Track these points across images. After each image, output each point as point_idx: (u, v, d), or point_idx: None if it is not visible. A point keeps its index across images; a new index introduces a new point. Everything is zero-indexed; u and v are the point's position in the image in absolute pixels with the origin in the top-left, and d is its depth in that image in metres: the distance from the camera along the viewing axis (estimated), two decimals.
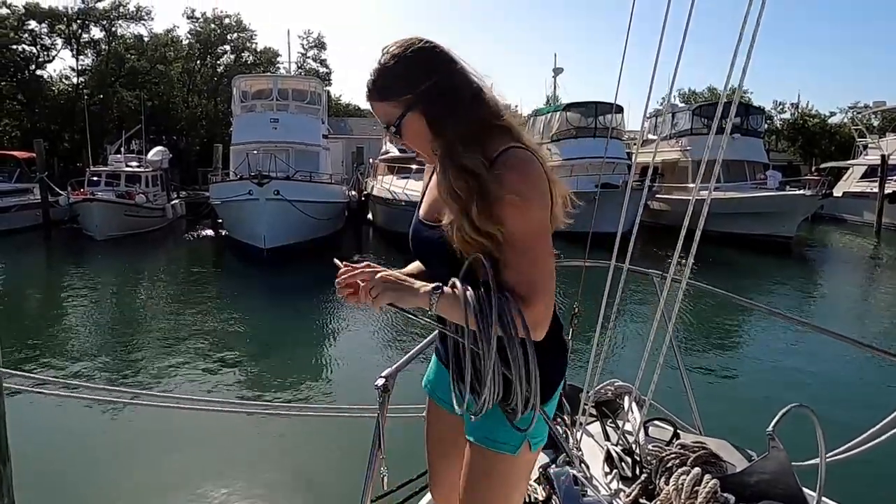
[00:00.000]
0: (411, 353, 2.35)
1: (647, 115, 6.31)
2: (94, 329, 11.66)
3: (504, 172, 1.52)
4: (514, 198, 1.51)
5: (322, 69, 51.15)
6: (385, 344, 9.93)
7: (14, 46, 39.94)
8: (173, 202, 29.99)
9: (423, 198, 1.87)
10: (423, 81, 1.59)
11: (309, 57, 51.58)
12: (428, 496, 2.79)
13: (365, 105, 1.72)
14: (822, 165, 39.64)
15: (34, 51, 41.44)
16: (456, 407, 1.66)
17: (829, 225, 31.30)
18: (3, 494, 3.62)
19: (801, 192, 22.47)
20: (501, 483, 1.75)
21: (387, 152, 26.81)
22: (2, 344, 3.63)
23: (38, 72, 42.26)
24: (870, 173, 31.54)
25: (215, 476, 5.86)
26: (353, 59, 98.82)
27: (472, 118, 1.60)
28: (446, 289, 1.54)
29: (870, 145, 35.00)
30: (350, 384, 8.24)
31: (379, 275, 1.55)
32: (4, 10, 39.76)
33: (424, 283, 1.57)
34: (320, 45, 51.94)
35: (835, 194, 30.21)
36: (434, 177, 1.79)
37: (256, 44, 50.34)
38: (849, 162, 36.24)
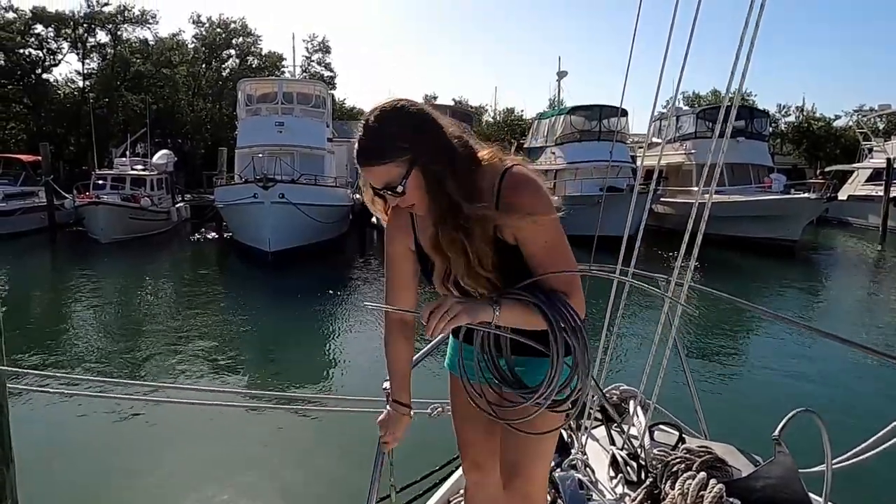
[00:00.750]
0: (418, 355, 2.36)
1: (653, 119, 6.32)
2: (99, 332, 11.69)
3: (513, 200, 1.66)
4: (531, 217, 1.65)
5: (326, 73, 51.31)
6: None
7: (21, 50, 40.16)
8: (178, 205, 30.14)
9: (417, 242, 1.91)
10: (421, 138, 1.64)
11: (313, 61, 51.78)
12: (436, 496, 2.80)
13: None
14: (827, 169, 39.53)
15: (40, 54, 41.66)
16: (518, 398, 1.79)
17: (834, 228, 31.22)
18: (7, 496, 3.63)
19: (806, 195, 22.42)
20: (550, 427, 1.90)
21: None
22: (6, 346, 3.63)
23: (45, 75, 42.50)
24: (875, 176, 31.43)
25: (220, 474, 5.87)
26: (356, 61, 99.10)
27: (467, 165, 1.69)
28: (504, 301, 1.64)
29: (875, 148, 34.90)
30: (358, 386, 8.23)
31: (451, 299, 1.60)
32: (11, 15, 40.04)
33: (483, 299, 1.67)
34: (325, 48, 52.12)
35: (840, 198, 30.11)
36: (415, 222, 1.89)
37: (261, 48, 50.61)
38: (854, 165, 36.14)
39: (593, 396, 3.18)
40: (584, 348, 1.69)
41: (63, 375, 7.98)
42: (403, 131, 1.64)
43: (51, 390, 7.02)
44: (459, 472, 2.68)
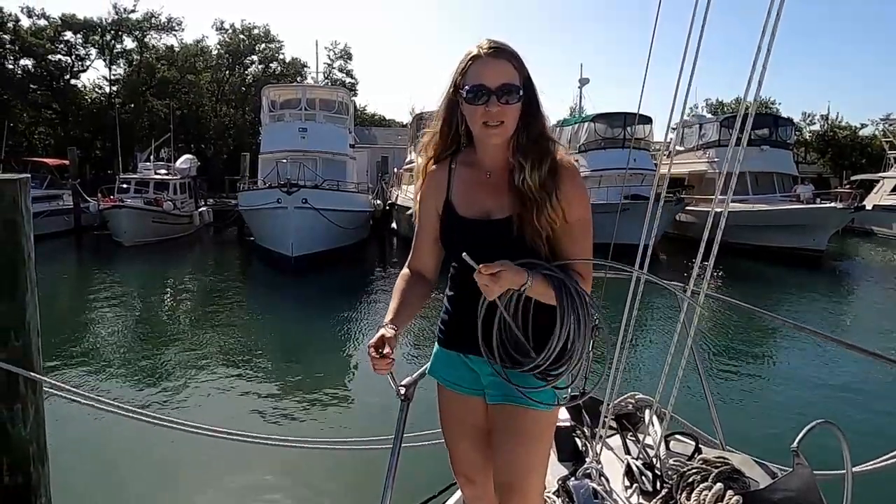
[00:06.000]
0: (416, 373, 2.34)
1: (671, 127, 6.25)
2: (121, 335, 11.79)
3: (574, 172, 1.91)
4: (583, 191, 1.93)
5: (348, 80, 51.61)
6: (407, 352, 9.84)
7: (50, 56, 40.96)
8: (200, 209, 30.43)
9: (450, 198, 2.02)
10: (529, 76, 1.89)
11: (335, 68, 52.11)
12: None
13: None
14: (853, 178, 39.00)
15: (69, 60, 42.48)
16: (492, 369, 1.90)
17: (859, 238, 30.76)
18: (42, 494, 3.69)
19: (833, 204, 22.11)
20: (541, 435, 1.98)
21: (411, 162, 26.92)
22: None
23: (73, 81, 43.28)
24: None
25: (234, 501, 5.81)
26: (376, 64, 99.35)
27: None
28: (535, 274, 1.78)
29: None
30: (376, 390, 8.20)
31: (500, 266, 1.73)
32: (42, 22, 40.87)
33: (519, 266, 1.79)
34: (347, 55, 52.45)
35: (865, 207, 29.69)
36: (454, 174, 2.02)
37: (284, 54, 51.05)
38: (879, 174, 35.62)
39: (608, 406, 3.15)
40: (585, 331, 1.81)
41: (97, 397, 8.03)
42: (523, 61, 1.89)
43: (81, 401, 7.03)
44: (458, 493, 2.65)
